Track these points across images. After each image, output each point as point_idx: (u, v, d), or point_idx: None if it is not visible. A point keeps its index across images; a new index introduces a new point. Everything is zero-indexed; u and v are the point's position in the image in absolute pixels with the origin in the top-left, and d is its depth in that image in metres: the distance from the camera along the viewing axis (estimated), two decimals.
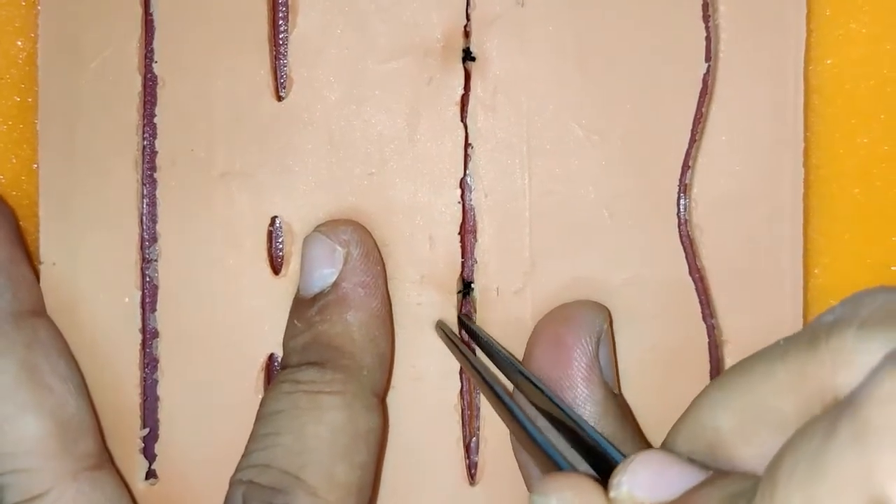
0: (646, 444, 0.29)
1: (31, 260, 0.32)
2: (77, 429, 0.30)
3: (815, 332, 0.20)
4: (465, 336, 0.32)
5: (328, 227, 0.31)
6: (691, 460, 0.21)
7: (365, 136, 0.32)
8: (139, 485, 0.32)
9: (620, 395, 0.30)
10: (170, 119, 0.32)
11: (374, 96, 0.32)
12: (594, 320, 0.30)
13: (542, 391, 0.28)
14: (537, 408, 0.28)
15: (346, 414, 0.28)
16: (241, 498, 0.27)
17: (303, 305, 0.30)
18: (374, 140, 0.32)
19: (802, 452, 0.17)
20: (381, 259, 0.31)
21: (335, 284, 0.30)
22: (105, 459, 0.31)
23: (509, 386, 0.30)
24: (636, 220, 0.32)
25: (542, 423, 0.27)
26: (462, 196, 0.32)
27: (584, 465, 0.25)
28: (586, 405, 0.28)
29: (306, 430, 0.28)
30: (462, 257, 0.32)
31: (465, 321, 0.32)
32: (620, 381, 0.31)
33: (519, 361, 0.30)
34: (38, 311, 0.31)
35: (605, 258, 0.32)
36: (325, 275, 0.30)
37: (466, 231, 0.32)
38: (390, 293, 0.31)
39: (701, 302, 0.32)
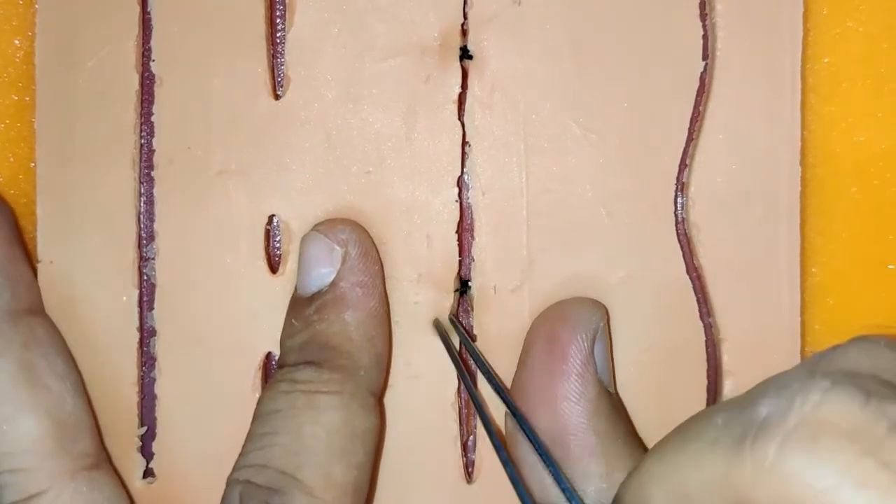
0: (639, 444, 0.30)
1: (29, 258, 0.32)
2: (75, 428, 0.30)
3: (744, 429, 0.19)
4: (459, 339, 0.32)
5: (326, 227, 0.31)
6: None
7: (362, 134, 0.32)
8: (137, 483, 0.32)
9: (616, 393, 0.30)
10: (167, 118, 0.32)
11: (372, 95, 0.32)
12: (591, 317, 0.30)
13: (514, 414, 0.28)
14: (521, 426, 0.28)
15: (343, 414, 0.28)
16: (238, 497, 0.27)
17: (300, 304, 0.30)
18: (372, 138, 0.32)
19: None
20: (379, 258, 0.31)
21: (333, 284, 0.30)
22: (103, 458, 0.31)
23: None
24: (633, 219, 0.32)
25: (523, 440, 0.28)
26: (459, 194, 0.32)
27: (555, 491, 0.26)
28: (579, 402, 0.28)
29: (303, 430, 0.28)
30: (459, 256, 0.32)
31: (454, 322, 0.32)
32: (617, 379, 0.31)
33: (497, 377, 0.30)
34: (36, 309, 0.31)
35: (603, 256, 0.32)
36: (322, 274, 0.30)
37: (464, 229, 0.32)
38: (388, 292, 0.31)
39: (698, 300, 0.32)
